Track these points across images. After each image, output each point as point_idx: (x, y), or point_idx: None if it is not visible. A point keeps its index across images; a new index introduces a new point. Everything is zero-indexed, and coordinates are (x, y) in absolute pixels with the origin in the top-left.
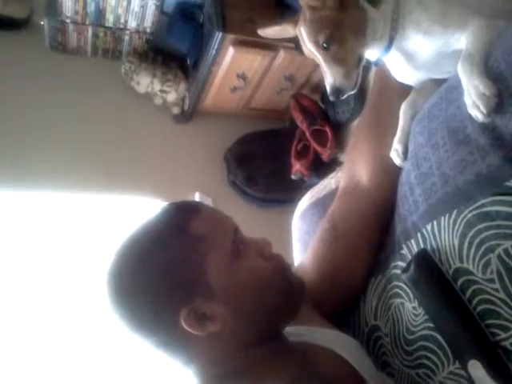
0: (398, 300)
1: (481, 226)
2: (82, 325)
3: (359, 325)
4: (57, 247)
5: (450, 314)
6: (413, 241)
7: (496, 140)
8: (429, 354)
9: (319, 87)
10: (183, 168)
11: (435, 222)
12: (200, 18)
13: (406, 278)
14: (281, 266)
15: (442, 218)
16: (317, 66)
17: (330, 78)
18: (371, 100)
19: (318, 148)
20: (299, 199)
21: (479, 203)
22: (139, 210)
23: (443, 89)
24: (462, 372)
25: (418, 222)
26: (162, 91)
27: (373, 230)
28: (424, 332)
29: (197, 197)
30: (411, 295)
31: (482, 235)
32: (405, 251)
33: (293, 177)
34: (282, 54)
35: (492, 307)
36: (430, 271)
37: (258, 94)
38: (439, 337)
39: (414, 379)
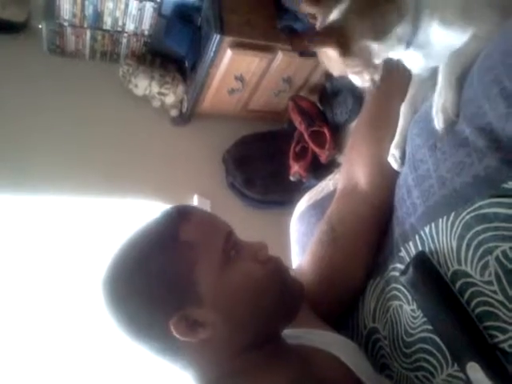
0: (397, 302)
1: (479, 228)
2: (82, 327)
3: (358, 327)
4: (56, 251)
5: (448, 316)
6: (411, 243)
7: (493, 142)
8: (427, 357)
9: (317, 89)
10: (182, 170)
11: (433, 225)
12: (198, 20)
13: (404, 280)
14: (277, 269)
15: (440, 220)
16: (314, 69)
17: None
18: (370, 100)
19: (317, 149)
20: (298, 201)
21: (477, 205)
22: (138, 212)
23: None
24: (461, 374)
25: (416, 224)
26: (160, 94)
27: (371, 232)
28: (422, 334)
29: (195, 199)
30: (409, 297)
31: (480, 237)
32: (403, 253)
33: (291, 178)
34: (279, 56)
35: (490, 309)
36: (429, 273)
37: (256, 95)
38: (438, 339)
39: (412, 382)
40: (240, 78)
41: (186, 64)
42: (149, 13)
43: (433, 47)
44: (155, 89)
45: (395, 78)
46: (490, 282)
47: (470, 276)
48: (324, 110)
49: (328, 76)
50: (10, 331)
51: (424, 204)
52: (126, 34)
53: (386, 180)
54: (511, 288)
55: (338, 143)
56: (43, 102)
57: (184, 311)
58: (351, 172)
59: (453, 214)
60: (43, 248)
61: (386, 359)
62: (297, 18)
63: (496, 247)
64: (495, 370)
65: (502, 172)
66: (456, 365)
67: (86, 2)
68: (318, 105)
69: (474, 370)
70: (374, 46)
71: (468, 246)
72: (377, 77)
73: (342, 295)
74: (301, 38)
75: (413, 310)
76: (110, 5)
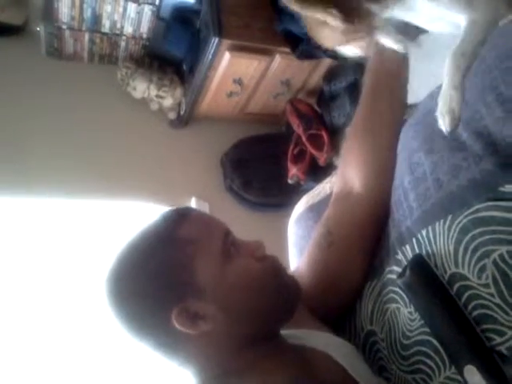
0: (394, 305)
1: (476, 232)
2: (82, 328)
3: (355, 330)
4: (55, 253)
5: (445, 318)
6: (408, 246)
7: (490, 146)
8: (425, 359)
9: (315, 92)
10: (180, 173)
11: (430, 228)
12: (196, 23)
13: (401, 283)
14: (274, 267)
15: (437, 223)
16: (312, 71)
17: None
18: (361, 103)
19: (315, 152)
20: (296, 204)
21: (474, 208)
22: (136, 215)
23: (438, 92)
24: (458, 377)
25: (413, 227)
26: (158, 96)
27: (367, 234)
28: (420, 337)
29: (193, 202)
30: (407, 300)
31: (478, 240)
32: (400, 256)
33: (289, 181)
34: (278, 58)
35: (487, 312)
36: (426, 276)
37: (255, 98)
38: (435, 342)
39: None
40: (238, 81)
41: (184, 67)
42: (147, 16)
43: (416, 15)
44: (153, 92)
45: (385, 78)
46: (487, 285)
47: (467, 279)
48: (322, 113)
49: (326, 79)
50: (11, 333)
51: (421, 207)
52: (124, 37)
53: (382, 182)
54: (508, 291)
55: (335, 146)
56: (41, 105)
57: (185, 303)
58: (347, 175)
59: (450, 217)
60: (42, 250)
61: (383, 362)
62: (295, 21)
63: (493, 250)
64: (492, 373)
65: (499, 175)
66: (453, 367)
67: (85, 5)
68: (316, 108)
69: (472, 373)
70: (375, 8)
71: (465, 249)
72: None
73: (340, 298)
74: None
75: (410, 313)
76: (109, 8)
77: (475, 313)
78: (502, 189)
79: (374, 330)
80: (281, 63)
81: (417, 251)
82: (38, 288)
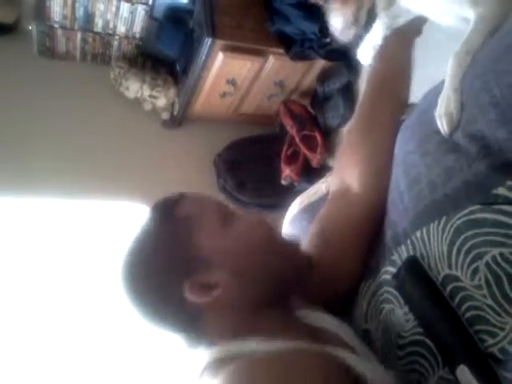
0: (389, 305)
1: (469, 234)
2: (82, 325)
3: (352, 328)
4: (53, 253)
5: (438, 319)
6: (403, 247)
7: (484, 149)
8: (420, 359)
9: (309, 93)
10: (173, 173)
11: (424, 229)
12: (190, 23)
13: (395, 283)
14: (270, 230)
15: (432, 224)
16: (306, 72)
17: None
18: (361, 102)
19: (308, 153)
20: (289, 204)
21: (467, 210)
22: (128, 215)
23: (433, 93)
24: (451, 377)
25: (408, 228)
26: (151, 96)
27: (363, 234)
28: (414, 337)
29: None
30: (401, 301)
31: (471, 242)
32: (395, 257)
33: (283, 182)
34: (271, 59)
35: (480, 313)
36: (420, 278)
37: (248, 99)
38: (429, 342)
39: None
40: (232, 82)
41: (178, 67)
42: (140, 15)
43: (425, 7)
44: (146, 92)
45: (390, 77)
46: (479, 287)
47: (460, 280)
48: (315, 114)
49: (320, 80)
50: (11, 331)
51: (415, 208)
52: (117, 37)
53: (380, 183)
54: (500, 292)
55: (329, 147)
56: (33, 105)
57: (195, 277)
58: (345, 174)
59: (444, 218)
60: (40, 250)
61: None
62: (288, 22)
63: (486, 252)
64: (485, 374)
65: (492, 178)
66: (447, 368)
67: (77, 4)
68: (310, 109)
69: (464, 374)
70: None
71: (459, 250)
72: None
73: (334, 297)
74: None
75: (405, 313)
76: (101, 7)
77: (468, 314)
78: (494, 191)
79: (369, 329)
80: (274, 64)
81: (411, 252)
82: (38, 286)
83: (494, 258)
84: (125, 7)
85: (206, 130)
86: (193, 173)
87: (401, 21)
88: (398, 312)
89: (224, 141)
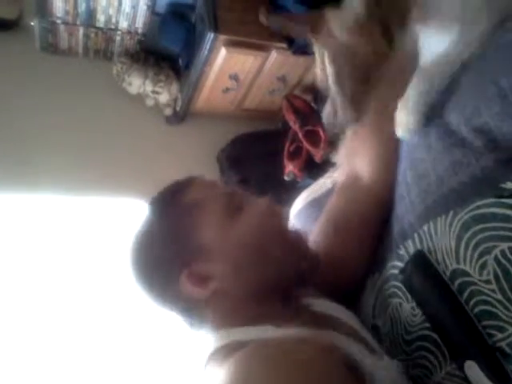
0: (396, 300)
1: (477, 228)
2: (83, 322)
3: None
4: (54, 250)
5: (446, 314)
6: (410, 241)
7: (490, 142)
8: (426, 354)
9: (312, 88)
10: (175, 169)
11: (431, 223)
12: (192, 18)
13: (403, 278)
14: (282, 225)
15: (439, 218)
16: (309, 67)
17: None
18: (379, 92)
19: (311, 149)
20: (292, 200)
21: (475, 205)
22: (130, 212)
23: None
24: (459, 373)
25: (415, 222)
26: (154, 92)
27: (370, 226)
28: (422, 332)
29: None
30: (409, 295)
31: (479, 237)
32: (402, 251)
33: (285, 178)
34: (274, 54)
35: (489, 308)
36: (427, 272)
37: (251, 94)
38: (436, 337)
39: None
40: (234, 77)
41: (180, 62)
42: (142, 11)
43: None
44: (149, 87)
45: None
46: (488, 281)
47: (469, 275)
48: (318, 109)
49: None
50: (10, 328)
51: (423, 203)
52: (119, 32)
53: (390, 176)
54: (509, 287)
55: (332, 142)
56: (36, 101)
57: (191, 268)
58: (355, 165)
59: (451, 213)
60: (42, 247)
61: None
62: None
63: (494, 247)
64: (493, 369)
65: (499, 172)
66: (454, 363)
67: None
68: (313, 104)
69: (472, 369)
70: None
71: (467, 245)
72: None
73: (341, 287)
74: None
75: (412, 308)
76: (103, 2)
77: (477, 309)
78: (502, 185)
79: (376, 324)
80: (277, 59)
81: (419, 247)
82: (39, 281)
83: (502, 253)
84: (127, 2)
85: (208, 126)
86: (196, 169)
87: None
88: (405, 307)
89: (227, 136)
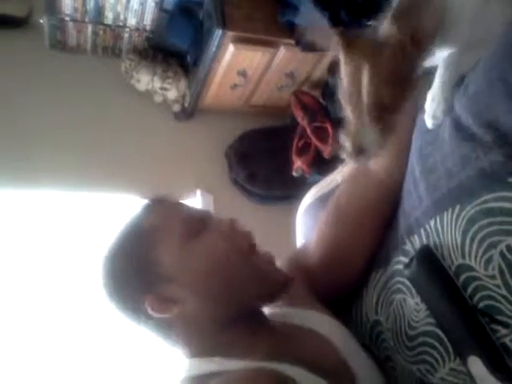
0: (400, 295)
1: (483, 222)
2: (81, 319)
3: (361, 318)
4: (54, 247)
5: (451, 309)
6: (416, 236)
7: (500, 138)
8: (430, 350)
9: (320, 84)
10: (184, 165)
11: (438, 218)
12: (200, 15)
13: (408, 273)
14: (245, 247)
15: (445, 213)
16: (317, 63)
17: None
18: None
19: (319, 145)
20: (301, 196)
21: (482, 199)
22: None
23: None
24: (463, 368)
25: (422, 217)
26: (162, 89)
27: (377, 218)
28: (426, 328)
29: (198, 194)
30: (413, 291)
31: (485, 231)
32: (408, 247)
33: (294, 174)
34: (282, 50)
35: (493, 303)
36: (433, 267)
37: (259, 91)
38: (440, 332)
39: (414, 374)
40: (242, 73)
41: (188, 59)
42: (150, 7)
43: None
44: (157, 84)
45: None
46: (493, 277)
47: (474, 270)
48: (326, 105)
49: (331, 71)
50: (9, 325)
51: (430, 197)
52: (127, 29)
53: (400, 169)
54: None
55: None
56: (44, 98)
57: (155, 292)
58: None
59: (458, 207)
60: (40, 242)
61: (389, 352)
62: (298, 13)
63: (500, 241)
64: (497, 364)
65: (508, 167)
66: (458, 358)
67: None
68: (321, 100)
69: (475, 364)
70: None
71: (472, 239)
72: None
73: (345, 278)
74: None
75: (416, 304)
76: None
77: (481, 304)
78: (510, 180)
79: (380, 320)
80: (285, 55)
81: (424, 242)
82: (37, 277)
83: (508, 247)
84: None
85: (217, 122)
86: (204, 165)
87: None
88: (409, 302)
89: (235, 132)
